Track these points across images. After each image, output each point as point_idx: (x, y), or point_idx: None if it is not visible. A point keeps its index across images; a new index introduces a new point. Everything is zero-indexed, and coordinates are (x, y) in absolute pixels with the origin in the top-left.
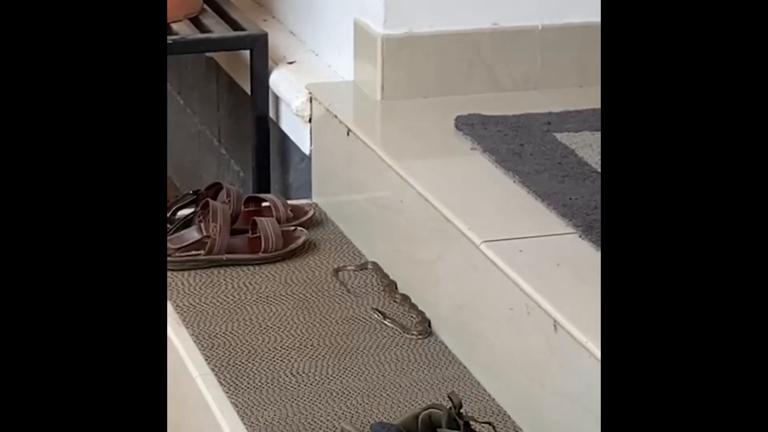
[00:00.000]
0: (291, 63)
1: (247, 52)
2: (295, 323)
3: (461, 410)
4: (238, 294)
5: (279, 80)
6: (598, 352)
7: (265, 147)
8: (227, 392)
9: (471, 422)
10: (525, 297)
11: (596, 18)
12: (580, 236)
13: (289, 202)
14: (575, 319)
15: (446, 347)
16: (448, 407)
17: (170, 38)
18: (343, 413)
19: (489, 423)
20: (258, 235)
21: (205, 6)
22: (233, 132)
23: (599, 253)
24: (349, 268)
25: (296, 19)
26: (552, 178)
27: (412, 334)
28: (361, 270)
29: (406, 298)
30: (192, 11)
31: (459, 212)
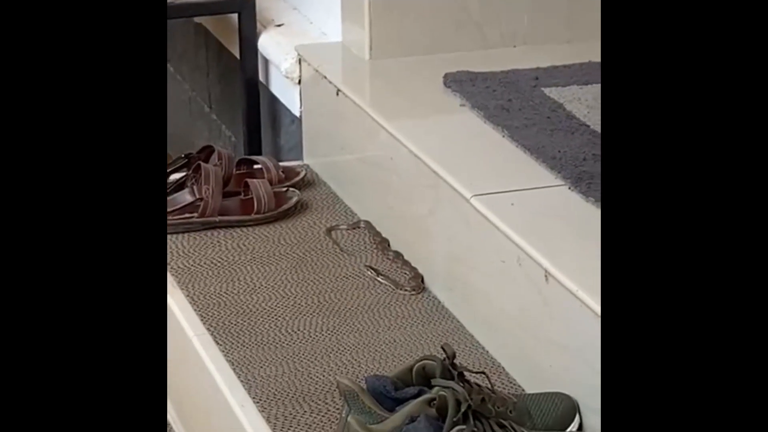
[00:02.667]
0: (279, 26)
1: (235, 16)
2: (289, 282)
3: (454, 361)
4: (231, 255)
5: (268, 43)
6: (589, 301)
7: (255, 110)
8: (223, 351)
9: (464, 372)
10: (516, 248)
11: None
12: (569, 188)
13: (280, 163)
14: (566, 268)
15: (439, 302)
16: (441, 358)
17: None
18: (338, 369)
19: (482, 372)
20: (250, 196)
21: None
22: (224, 97)
23: (588, 204)
24: (341, 227)
25: None
26: (540, 132)
27: (406, 290)
28: (354, 228)
29: (398, 254)
30: None
31: (449, 167)
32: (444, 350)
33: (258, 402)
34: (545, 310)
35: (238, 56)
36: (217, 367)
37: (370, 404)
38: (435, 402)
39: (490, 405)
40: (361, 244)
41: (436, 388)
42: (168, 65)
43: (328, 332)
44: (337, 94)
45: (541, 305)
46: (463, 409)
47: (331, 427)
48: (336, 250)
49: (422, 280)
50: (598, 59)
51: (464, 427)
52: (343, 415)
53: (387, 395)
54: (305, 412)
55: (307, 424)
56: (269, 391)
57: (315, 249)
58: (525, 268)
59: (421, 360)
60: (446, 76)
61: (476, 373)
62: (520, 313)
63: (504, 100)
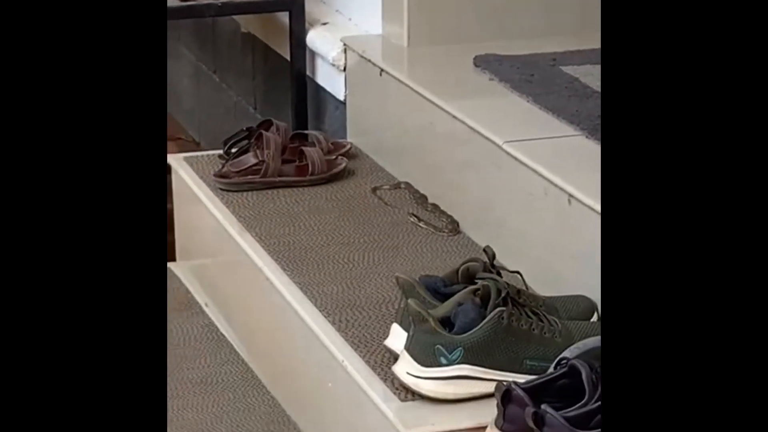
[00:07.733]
0: (324, 24)
1: (286, 15)
2: (342, 227)
3: (494, 262)
4: (290, 207)
5: (315, 38)
6: None
7: (303, 100)
8: (290, 276)
9: (501, 271)
10: (543, 181)
11: None
12: (587, 137)
13: None
14: (586, 191)
15: (473, 241)
16: (483, 261)
17: (218, 0)
18: (389, 286)
19: (517, 272)
20: (305, 162)
21: None
22: (268, 97)
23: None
24: (384, 187)
25: None
26: (560, 98)
27: (443, 232)
28: (396, 188)
29: (436, 206)
30: None
31: (483, 122)
32: (485, 251)
33: (323, 311)
34: (566, 227)
35: (285, 55)
36: (287, 290)
37: (424, 294)
38: (479, 291)
39: (524, 297)
40: (402, 200)
41: (480, 281)
42: (214, 76)
43: (379, 262)
44: (381, 74)
45: (562, 224)
46: (503, 295)
47: (382, 328)
48: (381, 204)
49: (458, 225)
50: None
51: (504, 308)
52: (401, 305)
53: (438, 290)
54: (363, 317)
55: (362, 325)
56: (331, 303)
57: (363, 204)
58: (550, 197)
59: (466, 262)
60: (476, 57)
61: (512, 272)
62: (544, 235)
63: (527, 74)
